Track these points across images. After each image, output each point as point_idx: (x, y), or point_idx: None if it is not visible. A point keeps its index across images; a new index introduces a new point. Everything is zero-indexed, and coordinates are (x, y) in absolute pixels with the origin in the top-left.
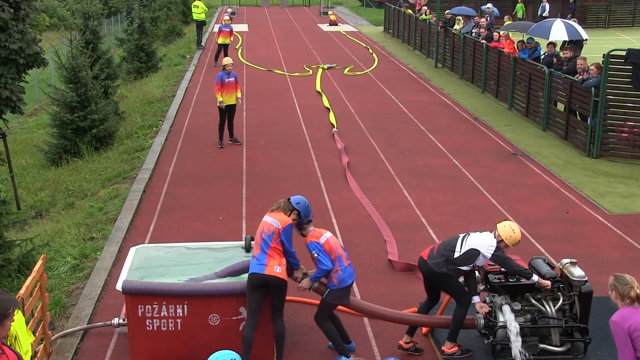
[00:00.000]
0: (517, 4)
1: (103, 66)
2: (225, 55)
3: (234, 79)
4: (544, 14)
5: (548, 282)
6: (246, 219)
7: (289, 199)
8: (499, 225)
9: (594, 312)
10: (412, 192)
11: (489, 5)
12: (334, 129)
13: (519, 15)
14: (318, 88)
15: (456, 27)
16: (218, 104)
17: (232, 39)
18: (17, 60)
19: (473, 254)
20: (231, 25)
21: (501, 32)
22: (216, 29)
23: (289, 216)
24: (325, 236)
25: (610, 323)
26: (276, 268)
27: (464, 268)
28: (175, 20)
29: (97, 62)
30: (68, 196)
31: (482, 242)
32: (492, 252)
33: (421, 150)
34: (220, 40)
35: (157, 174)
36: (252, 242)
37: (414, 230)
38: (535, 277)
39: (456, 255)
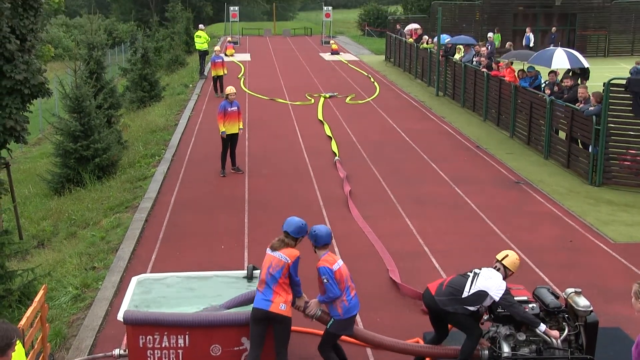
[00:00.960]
0: (494, 34)
1: (106, 95)
2: (221, 86)
3: (236, 108)
4: (530, 45)
5: (556, 333)
6: (248, 247)
7: (310, 231)
8: (506, 261)
9: (600, 342)
10: (414, 220)
11: (490, 34)
12: (336, 158)
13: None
14: (320, 117)
15: (457, 55)
16: (220, 134)
17: (225, 71)
18: (22, 91)
19: (481, 295)
20: (222, 55)
21: (502, 61)
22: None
23: (295, 244)
24: (338, 264)
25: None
26: (281, 306)
27: (471, 308)
28: (178, 50)
29: (100, 91)
30: (70, 225)
31: (492, 285)
32: (500, 295)
33: (423, 178)
34: (213, 73)
35: (160, 202)
36: (255, 271)
37: (416, 259)
38: (542, 327)
39: (464, 295)
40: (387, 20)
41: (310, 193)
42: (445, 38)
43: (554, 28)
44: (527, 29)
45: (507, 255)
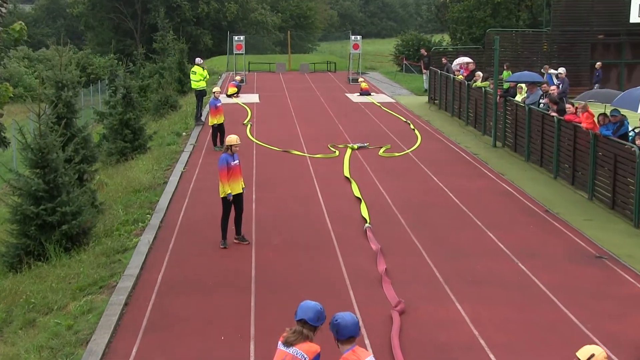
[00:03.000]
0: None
1: (78, 146)
2: (222, 137)
3: (238, 162)
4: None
5: None
6: (255, 338)
7: (331, 319)
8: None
9: None
10: (466, 304)
11: (561, 70)
12: (367, 225)
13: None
14: (346, 173)
15: (519, 96)
16: (224, 195)
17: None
18: None
19: None
20: (220, 98)
21: (577, 103)
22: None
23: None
24: None
25: None
26: None
27: None
28: (169, 89)
29: (70, 141)
30: (28, 311)
31: None
32: None
33: (477, 251)
34: (213, 120)
35: (143, 281)
36: None
37: (470, 355)
38: None
39: None
40: (431, 53)
41: (334, 270)
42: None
43: (598, 63)
44: (598, 64)
45: (592, 355)
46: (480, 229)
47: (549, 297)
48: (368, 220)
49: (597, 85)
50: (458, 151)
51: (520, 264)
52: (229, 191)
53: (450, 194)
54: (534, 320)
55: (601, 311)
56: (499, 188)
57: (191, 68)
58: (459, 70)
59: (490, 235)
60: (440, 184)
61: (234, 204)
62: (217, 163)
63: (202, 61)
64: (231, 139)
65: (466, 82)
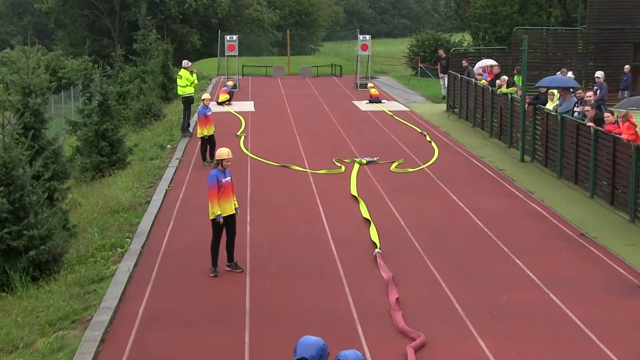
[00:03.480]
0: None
1: (48, 161)
2: (212, 150)
3: (230, 178)
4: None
5: None
6: None
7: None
8: None
9: None
10: (490, 340)
11: (599, 74)
12: (377, 250)
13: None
14: (353, 191)
15: (550, 104)
16: (214, 217)
17: (213, 129)
18: None
19: None
20: (210, 106)
21: (617, 112)
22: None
23: None
24: None
25: None
26: None
27: None
28: (151, 96)
29: (39, 155)
30: None
31: None
32: None
33: (503, 280)
34: (202, 132)
35: (122, 314)
36: None
37: None
38: None
39: None
40: (450, 54)
41: (340, 301)
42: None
43: (627, 67)
44: (626, 67)
45: None
46: (506, 255)
47: (583, 332)
48: (378, 245)
49: (626, 92)
50: (481, 166)
51: (551, 295)
52: (219, 212)
53: (472, 215)
54: (566, 358)
55: None
56: (528, 208)
57: (177, 72)
58: (482, 75)
59: (518, 262)
60: (460, 203)
61: (225, 226)
62: (207, 180)
63: (189, 64)
64: (222, 152)
65: (490, 88)
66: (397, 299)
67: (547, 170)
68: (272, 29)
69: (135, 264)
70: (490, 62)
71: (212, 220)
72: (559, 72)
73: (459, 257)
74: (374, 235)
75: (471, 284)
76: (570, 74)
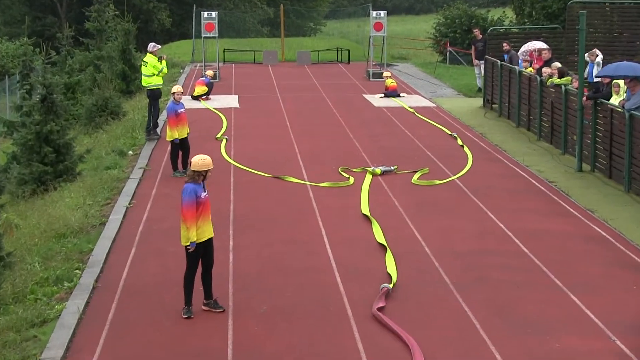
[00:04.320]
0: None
1: None
2: (186, 157)
3: (207, 192)
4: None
5: None
6: None
7: None
8: None
9: None
10: None
11: None
12: (386, 285)
13: None
14: (365, 209)
15: (615, 98)
16: (188, 244)
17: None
18: None
19: None
20: (183, 101)
21: None
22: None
23: None
24: None
25: None
26: None
27: None
28: (108, 88)
29: None
30: None
31: None
32: None
33: (554, 322)
34: (169, 135)
35: None
36: None
37: None
38: None
39: None
40: (487, 35)
41: (348, 349)
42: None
43: None
44: None
45: None
46: (558, 290)
47: None
48: (394, 278)
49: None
50: (527, 177)
51: (618, 342)
52: (195, 239)
53: (515, 239)
54: None
55: None
56: (587, 231)
57: (142, 58)
58: (528, 61)
59: (574, 299)
60: (500, 224)
61: (202, 255)
62: (182, 196)
63: (157, 48)
64: (205, 161)
65: (538, 78)
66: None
67: (612, 183)
68: (262, 4)
69: (87, 303)
70: (538, 44)
71: (186, 247)
72: (587, 54)
73: (498, 293)
74: (391, 265)
75: (513, 327)
76: (599, 56)
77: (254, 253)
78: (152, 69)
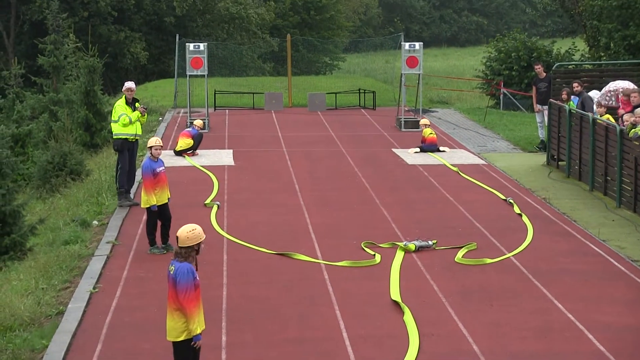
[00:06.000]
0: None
1: None
2: (166, 229)
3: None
4: None
5: None
6: None
7: None
8: None
9: None
10: None
11: None
12: None
13: None
14: (395, 295)
15: None
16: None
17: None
18: None
19: None
20: (161, 157)
21: None
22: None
23: None
24: None
25: None
26: None
27: None
28: (67, 141)
29: None
30: None
31: None
32: None
33: None
34: (145, 200)
35: None
36: None
37: None
38: None
39: None
40: (552, 73)
41: None
42: None
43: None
44: None
45: None
46: None
47: None
48: None
49: None
50: (604, 255)
51: None
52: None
53: (591, 337)
54: None
55: None
56: None
57: (115, 102)
58: (605, 106)
59: None
60: (570, 316)
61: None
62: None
63: (133, 88)
64: (192, 234)
65: (618, 128)
66: None
67: None
68: (263, 33)
69: None
70: (622, 84)
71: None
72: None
73: None
74: None
75: None
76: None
77: (252, 355)
78: (119, 114)
